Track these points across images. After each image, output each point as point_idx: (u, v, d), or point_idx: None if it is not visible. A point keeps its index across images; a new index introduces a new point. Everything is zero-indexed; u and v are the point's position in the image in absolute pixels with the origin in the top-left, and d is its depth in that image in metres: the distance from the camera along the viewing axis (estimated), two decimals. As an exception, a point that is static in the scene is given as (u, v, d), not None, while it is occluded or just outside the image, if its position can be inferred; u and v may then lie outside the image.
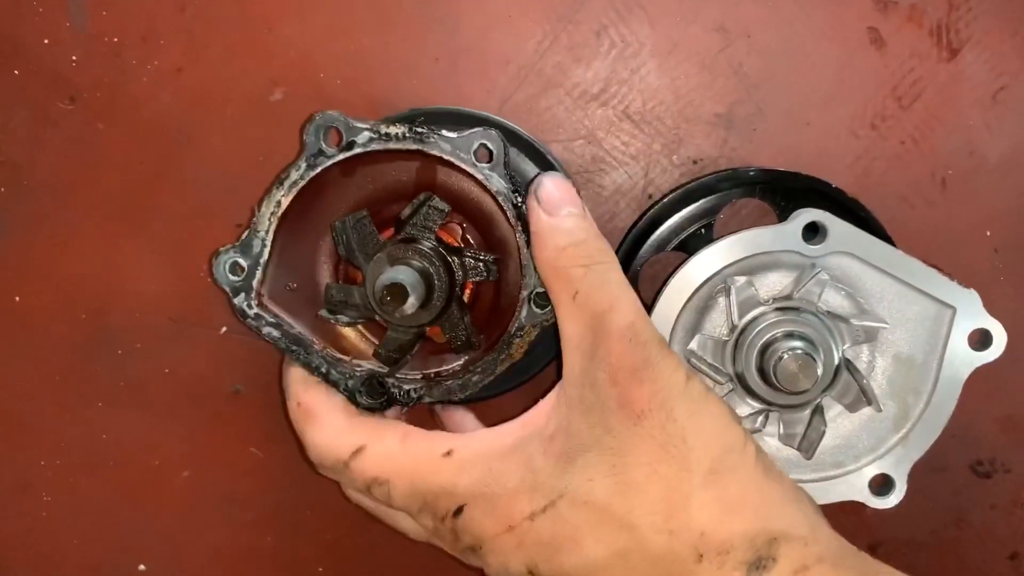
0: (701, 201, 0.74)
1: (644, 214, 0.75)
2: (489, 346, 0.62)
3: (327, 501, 0.82)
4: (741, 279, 0.64)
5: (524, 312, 0.58)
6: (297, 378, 0.63)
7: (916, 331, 0.65)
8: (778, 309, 0.64)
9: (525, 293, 0.58)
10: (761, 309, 0.64)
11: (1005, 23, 0.74)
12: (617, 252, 0.74)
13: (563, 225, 0.56)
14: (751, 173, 0.73)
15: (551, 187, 0.57)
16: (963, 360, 0.64)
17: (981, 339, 0.64)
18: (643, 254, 0.75)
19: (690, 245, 0.74)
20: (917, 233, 0.76)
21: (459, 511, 0.54)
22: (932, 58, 0.74)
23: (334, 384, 0.61)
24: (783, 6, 0.75)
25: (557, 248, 0.55)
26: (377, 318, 0.63)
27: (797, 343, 0.61)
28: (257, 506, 0.84)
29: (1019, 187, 0.76)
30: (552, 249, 0.56)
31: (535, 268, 0.57)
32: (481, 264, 0.64)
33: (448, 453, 0.56)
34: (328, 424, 0.60)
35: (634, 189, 0.78)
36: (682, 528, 0.50)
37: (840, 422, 0.66)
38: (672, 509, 0.50)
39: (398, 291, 0.57)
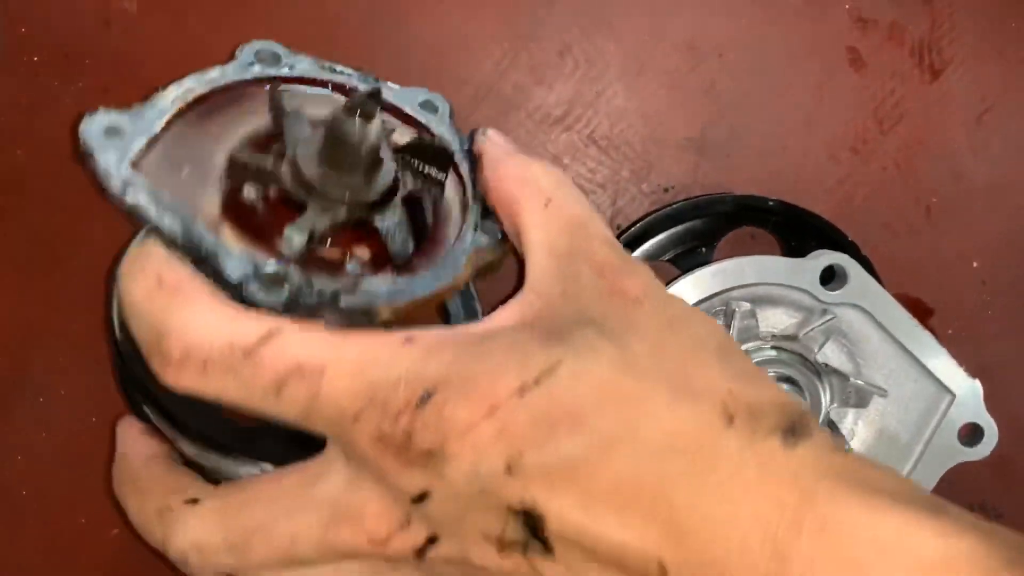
0: (705, 219, 0.69)
1: (649, 215, 0.71)
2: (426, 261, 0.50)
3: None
4: (746, 305, 0.60)
5: (469, 236, 0.49)
6: (158, 254, 0.44)
7: (908, 408, 0.61)
8: (775, 347, 0.59)
9: (470, 219, 0.50)
10: (758, 343, 0.59)
11: (989, 43, 0.70)
12: None
13: (520, 154, 0.50)
14: (770, 204, 0.68)
15: (498, 134, 0.51)
16: (948, 452, 0.60)
17: (971, 434, 0.60)
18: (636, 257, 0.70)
19: (681, 262, 0.69)
20: (901, 263, 0.72)
21: (424, 400, 0.41)
22: (914, 79, 0.70)
23: (218, 275, 0.43)
24: (757, 23, 0.70)
25: (524, 163, 0.48)
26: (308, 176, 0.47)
27: (788, 389, 0.57)
28: (194, 566, 0.76)
29: (1007, 215, 0.72)
30: (516, 165, 0.48)
31: (487, 199, 0.49)
32: (427, 176, 0.52)
33: (409, 339, 0.42)
34: (210, 303, 0.42)
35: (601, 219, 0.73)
36: (706, 389, 0.41)
37: None
38: (691, 377, 0.42)
39: (374, 99, 0.44)
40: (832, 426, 0.59)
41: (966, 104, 0.71)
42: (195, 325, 0.42)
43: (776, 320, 0.60)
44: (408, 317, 0.47)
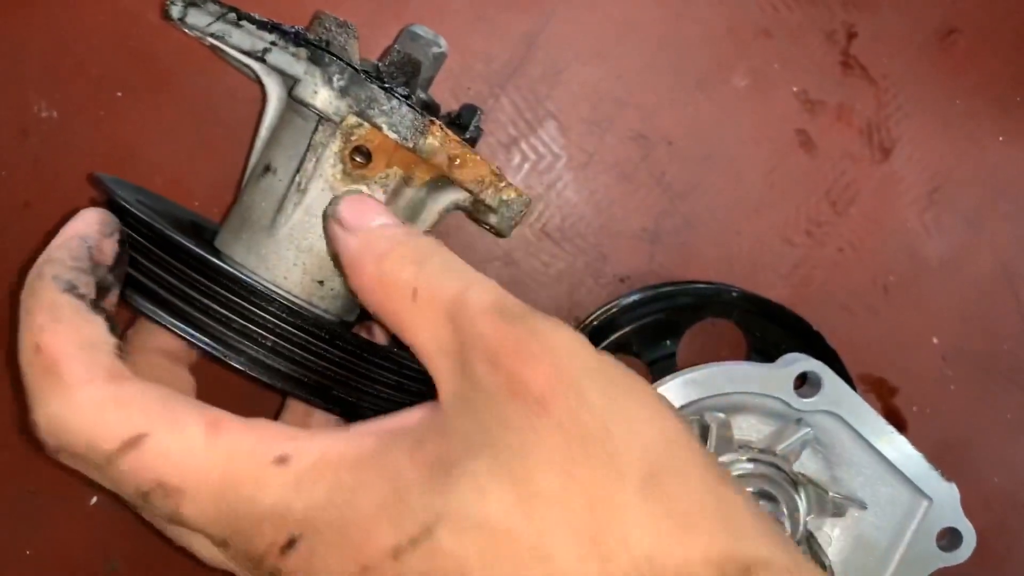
0: (668, 312, 0.67)
1: (610, 305, 0.69)
2: None
3: None
4: (721, 416, 0.57)
5: None
6: (44, 300, 0.41)
7: (885, 515, 0.59)
8: (751, 460, 0.57)
9: None
10: (734, 456, 0.57)
11: (935, 120, 0.70)
12: None
13: (375, 235, 0.45)
14: (734, 295, 0.67)
15: (350, 204, 0.47)
16: (926, 558, 0.59)
17: (950, 539, 0.59)
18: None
19: (647, 355, 0.67)
20: (861, 344, 0.71)
21: (290, 545, 0.37)
22: (865, 159, 0.70)
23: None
24: (704, 110, 0.69)
25: (376, 258, 0.43)
26: None
27: (764, 504, 0.55)
28: None
29: (963, 290, 0.71)
30: (371, 263, 0.44)
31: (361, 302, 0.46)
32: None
33: (282, 459, 0.38)
34: (84, 389, 0.39)
35: (559, 312, 0.71)
36: (619, 553, 0.34)
37: None
38: (602, 528, 0.35)
39: None
40: (810, 537, 0.58)
41: (917, 182, 0.70)
42: (61, 417, 0.39)
43: (750, 428, 0.59)
44: None
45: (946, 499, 0.58)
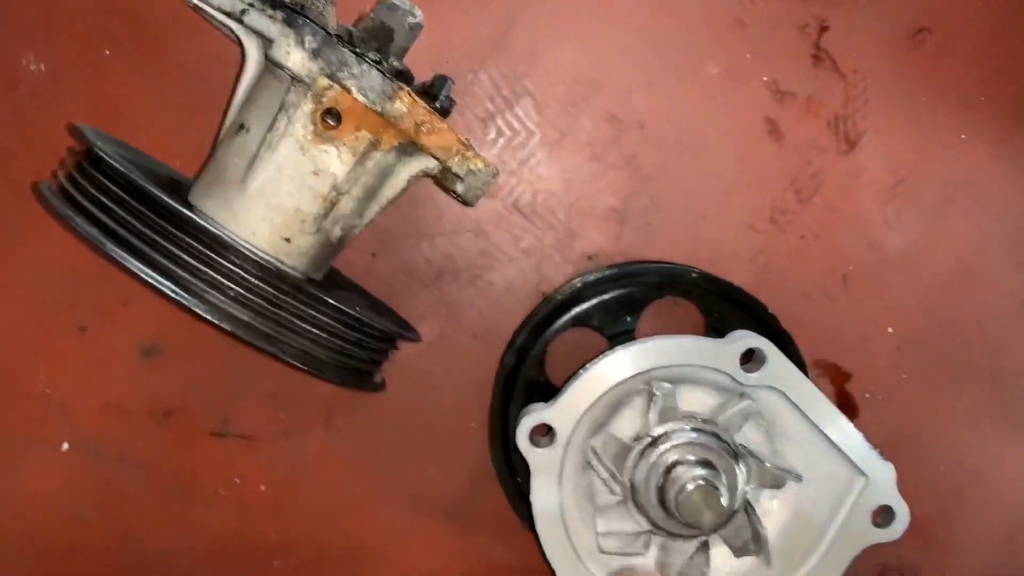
0: (630, 289, 0.69)
1: (576, 279, 0.71)
2: None
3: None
4: (667, 386, 0.59)
5: None
6: None
7: (823, 490, 0.61)
8: (695, 429, 0.59)
9: None
10: (678, 424, 0.59)
11: (902, 115, 0.71)
12: (528, 321, 0.70)
13: None
14: (694, 275, 0.69)
15: None
16: (861, 533, 0.60)
17: (885, 517, 0.61)
18: (558, 325, 0.69)
19: (608, 329, 0.69)
20: (819, 331, 0.73)
21: None
22: (831, 150, 0.72)
23: None
24: (677, 96, 0.71)
25: None
26: None
27: (704, 472, 0.56)
28: (107, 645, 0.74)
29: (921, 283, 0.73)
30: None
31: None
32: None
33: None
34: None
35: (526, 286, 0.73)
36: None
37: (720, 562, 0.61)
38: None
39: None
40: (748, 507, 0.59)
41: (880, 175, 0.72)
42: None
43: (695, 400, 0.60)
44: None
45: (883, 478, 0.60)
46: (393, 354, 0.63)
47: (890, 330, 0.74)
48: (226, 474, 0.74)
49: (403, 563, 0.76)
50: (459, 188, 0.58)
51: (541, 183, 0.72)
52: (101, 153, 0.51)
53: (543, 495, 0.60)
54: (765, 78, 0.71)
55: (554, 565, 0.60)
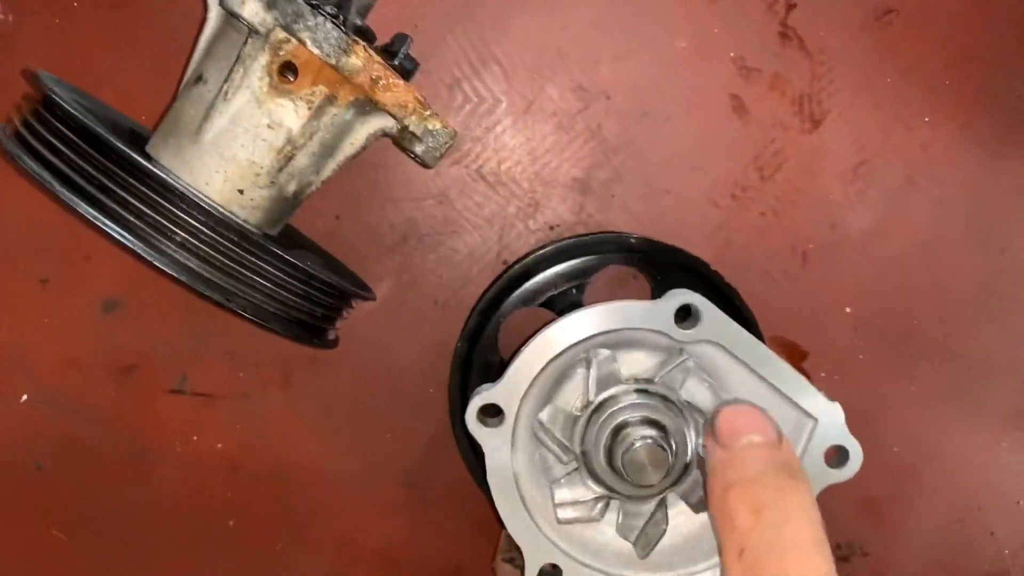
0: (576, 260, 0.70)
1: (514, 264, 0.71)
2: None
3: (141, 591, 0.74)
4: (605, 352, 0.59)
5: None
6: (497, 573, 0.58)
7: None
8: (638, 391, 0.59)
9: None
10: (620, 388, 0.59)
11: (866, 96, 0.72)
12: (477, 304, 0.70)
13: (737, 457, 0.49)
14: (632, 241, 0.69)
15: (728, 415, 0.51)
16: (816, 476, 0.60)
17: (838, 456, 0.61)
18: (507, 305, 0.70)
19: (557, 304, 0.69)
20: (777, 308, 0.73)
21: None
22: (794, 129, 0.72)
23: None
24: (645, 68, 0.71)
25: (724, 487, 0.48)
26: None
27: (651, 432, 0.57)
28: (60, 597, 0.74)
29: (879, 263, 0.74)
30: (720, 488, 0.48)
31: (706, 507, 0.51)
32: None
33: None
34: None
35: (488, 254, 0.73)
36: None
37: (682, 521, 0.62)
38: None
39: None
40: (701, 463, 0.59)
41: (843, 155, 0.72)
42: None
43: (636, 362, 0.60)
44: None
45: (831, 418, 0.59)
46: (349, 313, 0.63)
47: (848, 310, 0.74)
48: (184, 431, 0.74)
49: (358, 525, 0.76)
50: (418, 149, 0.58)
51: (506, 151, 0.72)
52: (54, 96, 0.51)
53: (498, 473, 0.60)
54: (732, 54, 0.71)
55: (516, 539, 0.61)
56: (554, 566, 0.61)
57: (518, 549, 0.61)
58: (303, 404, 0.74)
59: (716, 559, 0.55)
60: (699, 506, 0.60)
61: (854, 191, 0.73)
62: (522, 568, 0.61)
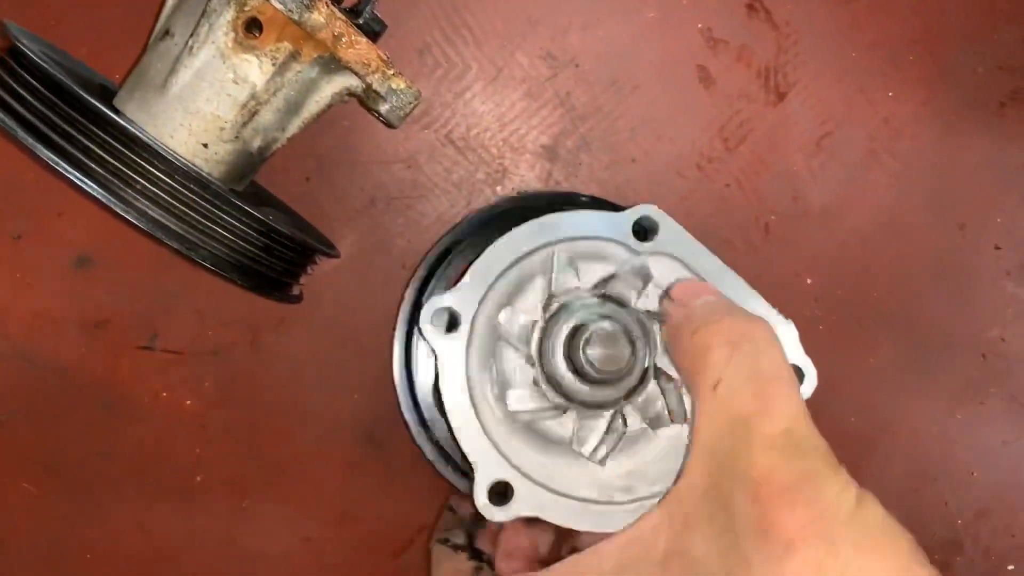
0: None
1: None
2: None
3: (109, 543, 0.75)
4: (564, 258, 0.59)
5: None
6: (433, 554, 0.60)
7: None
8: (597, 296, 0.59)
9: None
10: (579, 294, 0.59)
11: (831, 69, 0.73)
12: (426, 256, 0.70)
13: (698, 309, 0.49)
14: (583, 199, 0.70)
15: (683, 284, 0.52)
16: None
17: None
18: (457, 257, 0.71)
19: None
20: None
21: None
22: (760, 101, 0.73)
23: None
24: (614, 37, 0.72)
25: (692, 331, 0.47)
26: None
27: (609, 325, 0.56)
28: (29, 548, 0.75)
29: (840, 236, 0.75)
30: (688, 334, 0.47)
31: (675, 364, 0.51)
32: None
33: None
34: None
35: (456, 218, 0.74)
36: None
37: (641, 447, 0.61)
38: None
39: None
40: (659, 373, 0.59)
41: (807, 128, 0.74)
42: None
43: (594, 272, 0.59)
44: None
45: (785, 336, 0.59)
46: (312, 269, 0.64)
47: (809, 281, 0.76)
48: (152, 387, 0.75)
49: (322, 483, 0.77)
50: (382, 108, 0.59)
51: (475, 117, 0.73)
52: (21, 46, 0.52)
53: (451, 383, 0.58)
54: (700, 25, 0.72)
55: (468, 453, 0.59)
56: (506, 484, 0.60)
57: (457, 528, 0.61)
58: (271, 363, 0.76)
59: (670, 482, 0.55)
60: (657, 421, 0.59)
61: (817, 164, 0.74)
62: (460, 547, 0.61)
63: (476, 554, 0.55)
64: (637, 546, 0.44)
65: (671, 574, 0.41)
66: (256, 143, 0.58)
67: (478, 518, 0.56)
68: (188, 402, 0.76)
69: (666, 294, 0.53)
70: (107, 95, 0.62)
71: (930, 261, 0.76)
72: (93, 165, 0.50)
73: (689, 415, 0.50)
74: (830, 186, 0.74)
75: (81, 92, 0.50)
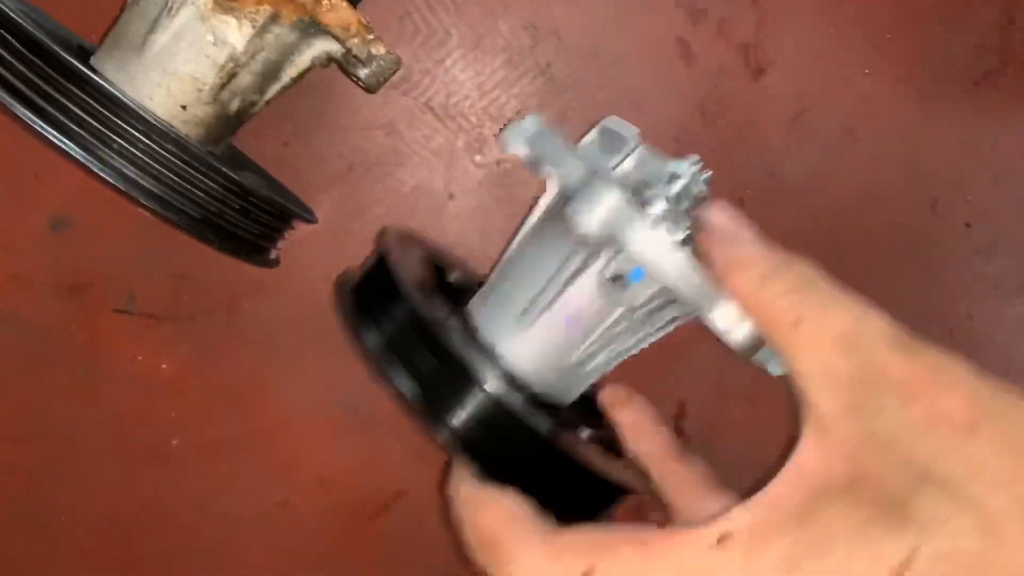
0: None
1: None
2: None
3: (84, 506, 0.76)
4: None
5: None
6: (464, 483, 0.48)
7: None
8: None
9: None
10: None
11: (809, 46, 0.74)
12: None
13: (750, 253, 0.46)
14: None
15: (721, 216, 0.48)
16: None
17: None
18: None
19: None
20: (715, 251, 0.75)
21: None
22: (739, 76, 0.74)
23: None
24: (596, 9, 0.72)
25: (758, 278, 0.44)
26: None
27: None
28: (2, 511, 0.76)
29: (813, 212, 0.76)
30: (750, 281, 0.44)
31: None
32: None
33: (722, 538, 0.39)
34: (525, 551, 0.44)
35: (435, 187, 0.74)
36: None
37: None
38: None
39: None
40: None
41: (785, 104, 0.74)
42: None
43: None
44: None
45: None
46: (289, 235, 0.64)
47: (783, 255, 0.76)
48: (129, 351, 0.75)
49: (300, 448, 0.78)
50: (361, 73, 0.59)
51: (455, 85, 0.73)
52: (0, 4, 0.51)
53: None
54: (680, -2, 0.72)
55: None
56: None
57: None
58: (249, 328, 0.76)
59: None
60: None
61: (793, 140, 0.75)
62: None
63: None
64: (807, 477, 0.40)
65: (866, 497, 0.38)
66: (234, 106, 0.58)
67: None
68: (164, 366, 0.76)
69: (701, 222, 0.48)
70: (85, 56, 0.62)
71: (901, 237, 0.77)
72: (72, 125, 0.50)
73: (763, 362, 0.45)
74: (806, 163, 0.75)
75: (60, 51, 0.50)
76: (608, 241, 0.47)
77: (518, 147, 0.51)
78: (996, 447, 0.36)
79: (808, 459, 0.40)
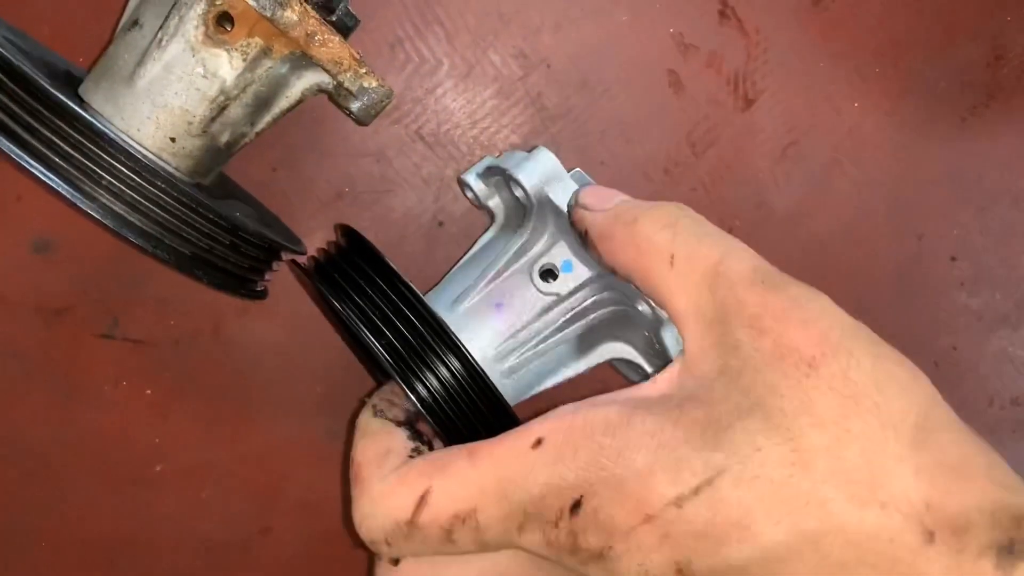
0: None
1: None
2: None
3: (66, 532, 0.74)
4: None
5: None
6: (360, 424, 0.52)
7: None
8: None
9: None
10: None
11: (798, 78, 0.74)
12: None
13: (622, 207, 0.48)
14: None
15: (592, 190, 0.51)
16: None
17: None
18: None
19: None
20: (703, 281, 0.75)
21: (576, 506, 0.41)
22: (728, 107, 0.74)
23: None
24: (586, 38, 0.72)
25: (627, 224, 0.46)
26: None
27: None
28: (-18, 534, 0.75)
29: (802, 242, 0.76)
30: (621, 230, 0.46)
31: (606, 266, 0.49)
32: None
33: (537, 443, 0.42)
34: (376, 484, 0.47)
35: (424, 214, 0.74)
36: (897, 499, 0.36)
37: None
38: (878, 476, 0.36)
39: None
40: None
41: (773, 136, 0.75)
42: (366, 513, 0.46)
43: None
44: None
45: None
46: (278, 266, 0.64)
47: (770, 286, 0.77)
48: (113, 375, 0.75)
49: (283, 474, 0.78)
50: (353, 106, 0.59)
51: (446, 114, 0.73)
52: (-18, 33, 0.51)
53: None
54: (671, 30, 0.72)
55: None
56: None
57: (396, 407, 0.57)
58: (233, 353, 0.75)
59: None
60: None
61: (781, 171, 0.75)
62: (400, 423, 0.55)
63: (417, 435, 0.51)
64: (643, 397, 0.43)
65: (691, 414, 0.40)
66: (224, 138, 0.57)
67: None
68: (148, 391, 0.75)
69: (574, 200, 0.53)
70: (72, 82, 0.61)
71: (887, 269, 0.78)
72: (58, 160, 0.49)
73: (647, 307, 0.51)
74: (794, 194, 0.75)
75: (47, 85, 0.49)
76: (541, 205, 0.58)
77: (471, 179, 0.64)
78: (831, 385, 0.38)
79: (652, 386, 0.43)
